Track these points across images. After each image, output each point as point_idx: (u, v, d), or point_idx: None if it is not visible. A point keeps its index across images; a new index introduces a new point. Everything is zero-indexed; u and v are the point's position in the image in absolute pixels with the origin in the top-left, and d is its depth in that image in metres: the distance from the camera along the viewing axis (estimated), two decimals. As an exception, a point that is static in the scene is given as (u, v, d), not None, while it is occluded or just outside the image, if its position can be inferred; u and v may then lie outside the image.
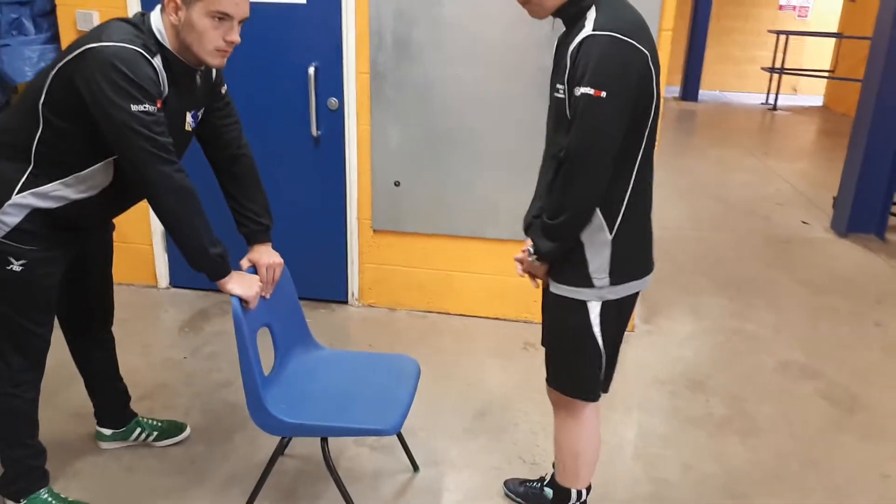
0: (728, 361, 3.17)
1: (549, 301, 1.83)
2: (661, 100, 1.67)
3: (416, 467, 2.37)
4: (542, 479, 2.19)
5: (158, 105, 1.68)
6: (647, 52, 1.55)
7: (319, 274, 3.54)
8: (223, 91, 1.99)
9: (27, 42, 3.40)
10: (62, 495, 2.10)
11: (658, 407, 2.79)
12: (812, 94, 11.87)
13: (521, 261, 1.80)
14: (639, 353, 3.20)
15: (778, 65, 10.66)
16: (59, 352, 2.15)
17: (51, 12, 3.39)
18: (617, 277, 1.70)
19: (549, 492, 2.11)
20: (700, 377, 3.02)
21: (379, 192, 3.34)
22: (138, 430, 2.40)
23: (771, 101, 10.94)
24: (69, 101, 1.68)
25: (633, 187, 1.66)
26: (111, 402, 2.37)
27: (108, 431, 2.39)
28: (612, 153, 1.58)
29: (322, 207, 3.44)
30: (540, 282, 1.83)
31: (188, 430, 2.48)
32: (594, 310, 1.72)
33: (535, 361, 1.80)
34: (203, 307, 3.51)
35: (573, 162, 1.59)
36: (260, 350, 1.93)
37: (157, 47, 1.71)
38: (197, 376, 2.89)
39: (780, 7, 12.09)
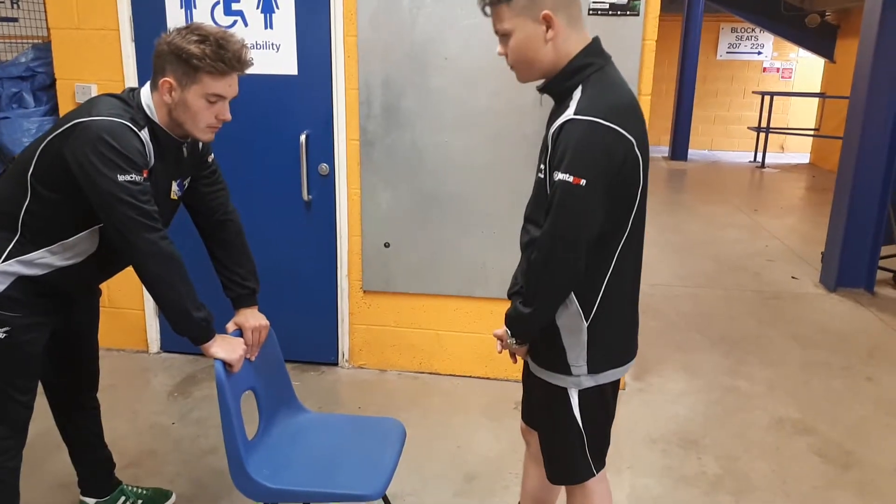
0: (721, 419, 3.15)
1: (531, 380, 1.79)
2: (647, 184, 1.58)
3: (403, 533, 2.33)
4: None
5: (145, 175, 1.73)
6: (632, 138, 1.47)
7: (311, 336, 3.55)
8: (210, 159, 2.05)
9: (26, 115, 3.50)
10: (41, 568, 2.06)
11: (650, 466, 2.76)
12: (799, 151, 12.11)
13: (500, 338, 1.77)
14: (630, 411, 3.18)
15: (764, 124, 10.91)
16: (44, 419, 2.15)
17: (50, 86, 3.50)
18: (594, 366, 1.65)
19: None
20: (693, 435, 3.00)
21: (369, 254, 3.38)
22: (122, 498, 2.37)
23: (759, 159, 11.15)
24: (57, 172, 1.73)
25: (611, 274, 1.59)
26: (95, 471, 2.34)
27: (91, 501, 2.35)
28: (587, 242, 1.51)
29: (313, 269, 3.48)
30: (519, 359, 1.82)
31: (174, 498, 2.45)
32: (573, 397, 1.69)
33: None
34: (192, 371, 3.50)
35: (547, 250, 1.52)
36: (245, 414, 1.93)
37: (146, 121, 1.78)
38: (184, 442, 2.87)
39: (764, 69, 12.47)
